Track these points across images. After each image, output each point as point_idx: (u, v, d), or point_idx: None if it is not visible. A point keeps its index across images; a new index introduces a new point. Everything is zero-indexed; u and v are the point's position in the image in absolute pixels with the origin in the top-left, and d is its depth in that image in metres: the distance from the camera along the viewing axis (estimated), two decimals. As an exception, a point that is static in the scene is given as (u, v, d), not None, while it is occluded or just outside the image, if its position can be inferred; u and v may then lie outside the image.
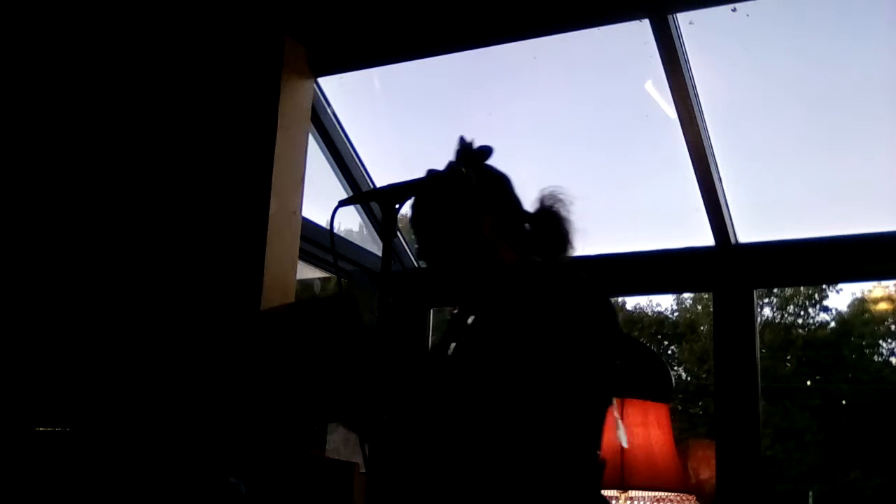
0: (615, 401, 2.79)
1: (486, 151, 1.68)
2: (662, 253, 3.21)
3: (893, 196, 3.78)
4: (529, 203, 1.72)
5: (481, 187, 1.65)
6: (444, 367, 1.57)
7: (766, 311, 18.27)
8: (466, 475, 1.42)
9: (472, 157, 1.67)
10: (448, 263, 1.65)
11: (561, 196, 1.69)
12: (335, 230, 3.55)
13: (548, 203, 1.69)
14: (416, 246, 1.68)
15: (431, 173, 1.61)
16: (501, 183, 1.71)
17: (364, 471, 1.64)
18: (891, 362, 17.62)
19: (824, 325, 18.11)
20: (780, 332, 17.71)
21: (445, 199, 1.63)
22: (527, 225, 1.70)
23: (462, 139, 1.69)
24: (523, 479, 1.41)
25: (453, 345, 1.61)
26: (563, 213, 1.67)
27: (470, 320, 1.60)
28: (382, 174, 3.48)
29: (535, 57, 3.16)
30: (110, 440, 2.47)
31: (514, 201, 1.71)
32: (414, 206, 1.67)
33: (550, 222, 1.67)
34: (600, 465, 1.55)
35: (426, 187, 1.61)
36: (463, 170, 1.62)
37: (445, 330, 1.74)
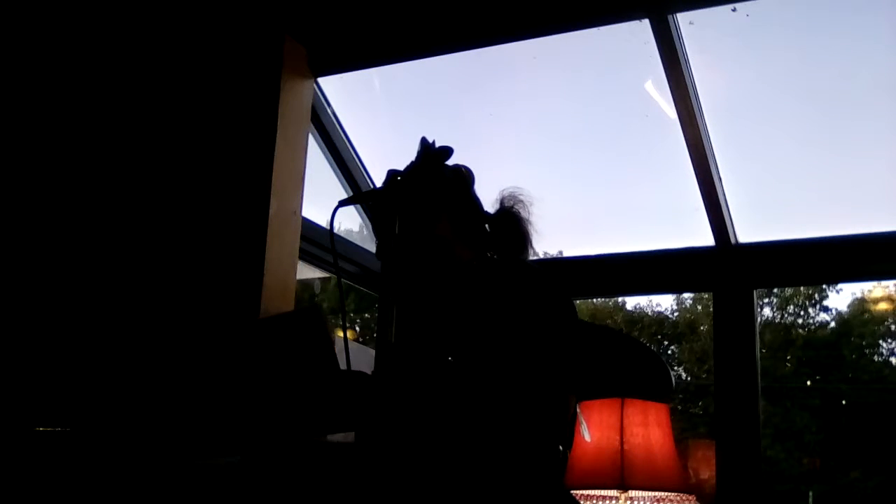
0: (619, 399, 2.79)
1: (447, 152, 1.70)
2: (662, 253, 3.21)
3: (893, 196, 3.78)
4: (490, 203, 1.75)
5: (438, 188, 1.67)
6: (408, 365, 1.59)
7: (766, 311, 18.25)
8: (438, 466, 1.45)
9: (432, 158, 1.69)
10: (404, 262, 1.67)
11: (521, 197, 1.72)
12: (335, 230, 3.55)
13: (508, 204, 1.72)
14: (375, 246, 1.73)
15: (391, 174, 1.65)
16: (460, 183, 1.72)
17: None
18: (891, 362, 17.60)
19: (824, 325, 18.09)
20: (780, 332, 17.69)
21: (403, 199, 1.67)
22: (486, 226, 1.72)
23: (423, 140, 1.72)
24: (489, 469, 1.43)
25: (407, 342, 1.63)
26: (523, 213, 1.71)
27: (426, 317, 1.63)
28: (382, 174, 3.47)
29: (535, 57, 3.16)
30: (110, 440, 2.47)
31: (474, 201, 1.72)
32: (373, 208, 1.70)
33: (509, 223, 1.71)
34: (563, 458, 1.58)
35: (386, 189, 1.66)
36: (417, 171, 1.67)
37: (399, 326, 1.74)
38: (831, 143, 3.58)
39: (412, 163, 1.69)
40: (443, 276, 1.63)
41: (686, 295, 18.03)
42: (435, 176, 1.68)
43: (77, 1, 2.87)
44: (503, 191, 1.74)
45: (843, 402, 16.29)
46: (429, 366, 1.53)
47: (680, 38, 2.71)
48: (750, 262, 3.05)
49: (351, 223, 3.84)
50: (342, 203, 1.56)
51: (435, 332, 1.57)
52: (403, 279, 1.69)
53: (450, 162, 1.73)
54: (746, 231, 3.07)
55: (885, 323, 17.49)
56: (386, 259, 1.71)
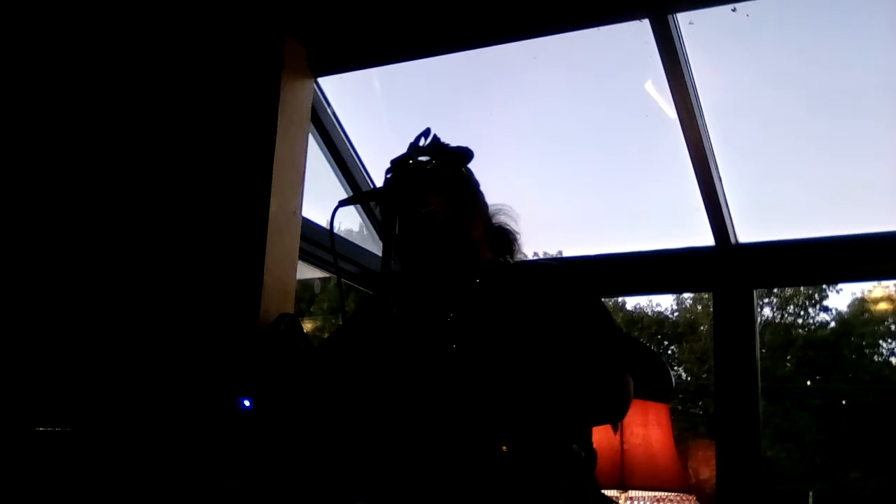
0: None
1: (471, 154, 1.73)
2: (662, 253, 3.21)
3: (893, 196, 3.78)
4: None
5: (472, 189, 1.76)
6: (449, 363, 1.60)
7: (766, 311, 18.25)
8: (477, 462, 1.46)
9: (456, 158, 1.72)
10: (436, 261, 1.71)
11: (506, 210, 1.84)
12: (335, 230, 3.55)
13: (497, 213, 1.84)
14: (398, 242, 1.70)
15: (410, 163, 1.66)
16: (478, 187, 1.81)
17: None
18: (891, 362, 17.60)
19: (824, 325, 18.09)
20: (780, 332, 17.69)
21: (451, 196, 1.70)
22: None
23: (435, 136, 1.73)
24: (531, 462, 1.46)
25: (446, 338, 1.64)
26: (513, 224, 1.84)
27: (454, 316, 1.66)
28: (382, 174, 3.47)
29: (535, 57, 3.16)
30: (110, 440, 2.47)
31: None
32: (402, 202, 1.68)
33: (505, 230, 1.83)
34: (594, 454, 1.62)
35: (427, 181, 1.66)
36: (464, 171, 1.68)
37: (418, 324, 1.74)
38: (831, 143, 3.58)
39: (429, 161, 1.69)
40: (474, 275, 1.71)
41: (686, 295, 18.02)
42: (465, 177, 1.74)
43: (78, 1, 2.87)
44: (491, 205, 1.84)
45: (843, 402, 16.29)
46: (467, 364, 1.55)
47: (680, 38, 2.71)
48: (750, 262, 3.05)
49: (351, 223, 3.84)
50: (342, 203, 1.55)
51: (470, 333, 1.61)
52: (427, 278, 1.74)
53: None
54: (746, 231, 3.07)
55: (885, 323, 17.49)
56: (415, 257, 1.72)
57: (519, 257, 1.84)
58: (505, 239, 1.83)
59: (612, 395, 1.57)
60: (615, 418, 1.88)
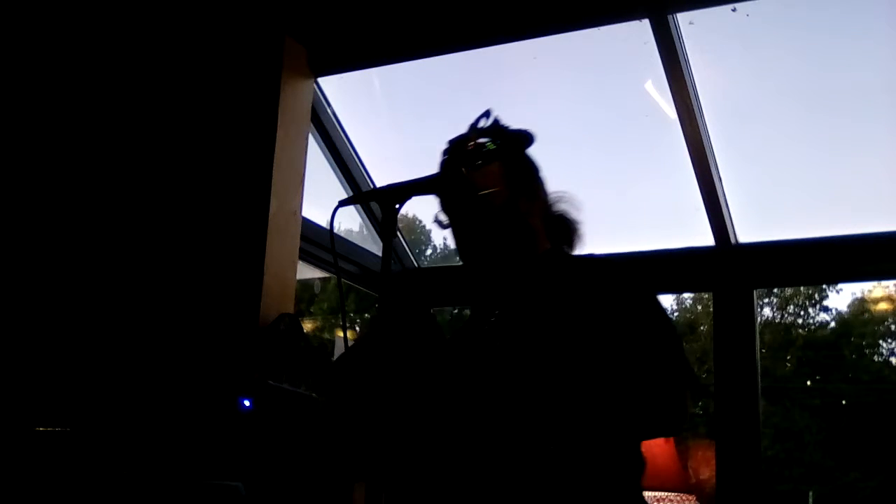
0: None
1: (532, 137, 1.66)
2: (662, 253, 3.21)
3: (893, 196, 3.78)
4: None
5: (535, 174, 1.65)
6: (505, 357, 1.49)
7: (766, 311, 18.26)
8: (523, 466, 1.39)
9: (518, 141, 1.65)
10: (489, 250, 1.60)
11: (569, 198, 1.71)
12: (335, 230, 3.55)
13: (558, 201, 1.71)
14: (460, 230, 1.61)
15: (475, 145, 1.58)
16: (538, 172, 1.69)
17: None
18: (891, 362, 17.61)
19: (824, 325, 18.10)
20: (780, 332, 17.70)
21: (510, 180, 1.60)
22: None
23: (497, 118, 1.66)
24: (579, 469, 1.39)
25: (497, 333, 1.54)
26: (575, 213, 1.71)
27: (505, 310, 1.56)
28: (382, 174, 3.48)
29: (535, 57, 3.16)
30: (110, 440, 2.47)
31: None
32: (457, 185, 1.59)
33: (566, 219, 1.70)
34: (642, 461, 1.53)
35: (485, 159, 1.58)
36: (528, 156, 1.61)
37: (473, 316, 1.68)
38: (831, 143, 3.58)
39: (489, 142, 1.61)
40: (528, 266, 1.59)
41: (686, 295, 18.04)
42: (526, 161, 1.64)
43: (79, 1, 2.87)
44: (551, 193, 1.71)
45: (844, 402, 16.29)
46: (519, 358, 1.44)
47: (680, 38, 2.71)
48: (750, 262, 3.05)
49: (351, 223, 3.84)
50: (342, 203, 1.54)
51: (538, 328, 1.48)
52: (487, 271, 1.62)
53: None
54: (746, 231, 3.07)
55: (885, 323, 17.50)
56: (477, 247, 1.60)
57: (579, 250, 1.71)
58: (565, 228, 1.69)
59: (668, 411, 1.43)
60: (669, 434, 1.74)
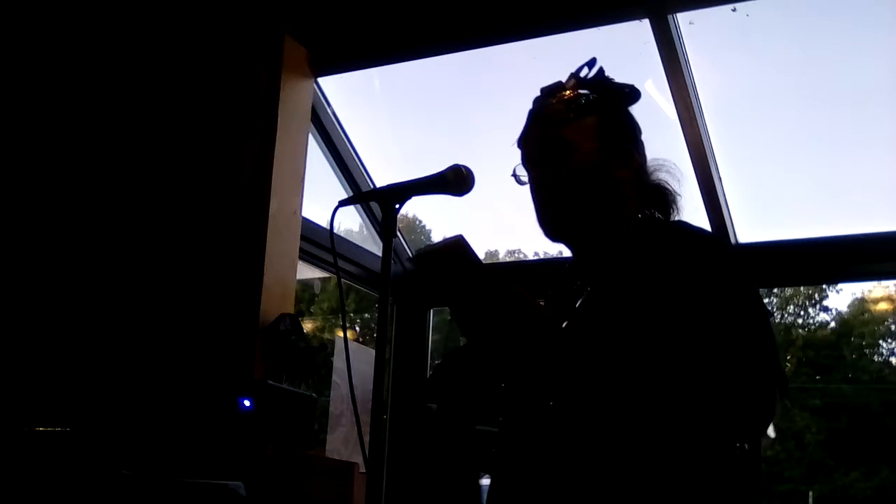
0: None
1: (637, 94, 1.54)
2: (662, 253, 3.20)
3: (893, 196, 3.78)
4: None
5: (631, 128, 1.52)
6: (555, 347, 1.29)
7: (767, 311, 18.24)
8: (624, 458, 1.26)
9: (620, 96, 1.52)
10: (573, 215, 1.44)
11: (669, 167, 1.57)
12: (335, 230, 3.55)
13: (657, 169, 1.57)
14: (540, 190, 1.46)
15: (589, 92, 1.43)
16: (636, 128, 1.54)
17: (364, 471, 1.61)
18: (891, 362, 17.61)
19: (824, 325, 18.10)
20: (780, 332, 17.68)
21: (604, 140, 1.46)
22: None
23: (602, 69, 1.53)
24: (681, 462, 1.27)
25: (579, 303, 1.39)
26: (674, 184, 1.55)
27: (596, 276, 1.40)
28: (382, 174, 3.48)
29: (535, 57, 3.16)
30: (110, 440, 2.47)
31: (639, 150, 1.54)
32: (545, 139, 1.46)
33: (663, 189, 1.54)
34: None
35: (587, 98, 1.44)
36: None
37: (561, 281, 1.53)
38: (831, 143, 3.58)
39: (588, 94, 1.47)
40: (613, 234, 1.43)
41: (686, 295, 18.01)
42: (626, 121, 1.50)
43: (79, 1, 2.87)
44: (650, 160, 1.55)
45: (843, 402, 16.29)
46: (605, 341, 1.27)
47: (680, 38, 2.71)
48: (750, 262, 3.05)
49: (351, 223, 3.84)
50: (342, 203, 1.53)
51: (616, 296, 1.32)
52: (567, 235, 1.49)
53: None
54: (746, 231, 3.07)
55: (885, 323, 17.49)
56: (545, 209, 1.45)
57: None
58: (661, 198, 1.51)
59: (759, 410, 1.28)
60: (753, 437, 1.56)
